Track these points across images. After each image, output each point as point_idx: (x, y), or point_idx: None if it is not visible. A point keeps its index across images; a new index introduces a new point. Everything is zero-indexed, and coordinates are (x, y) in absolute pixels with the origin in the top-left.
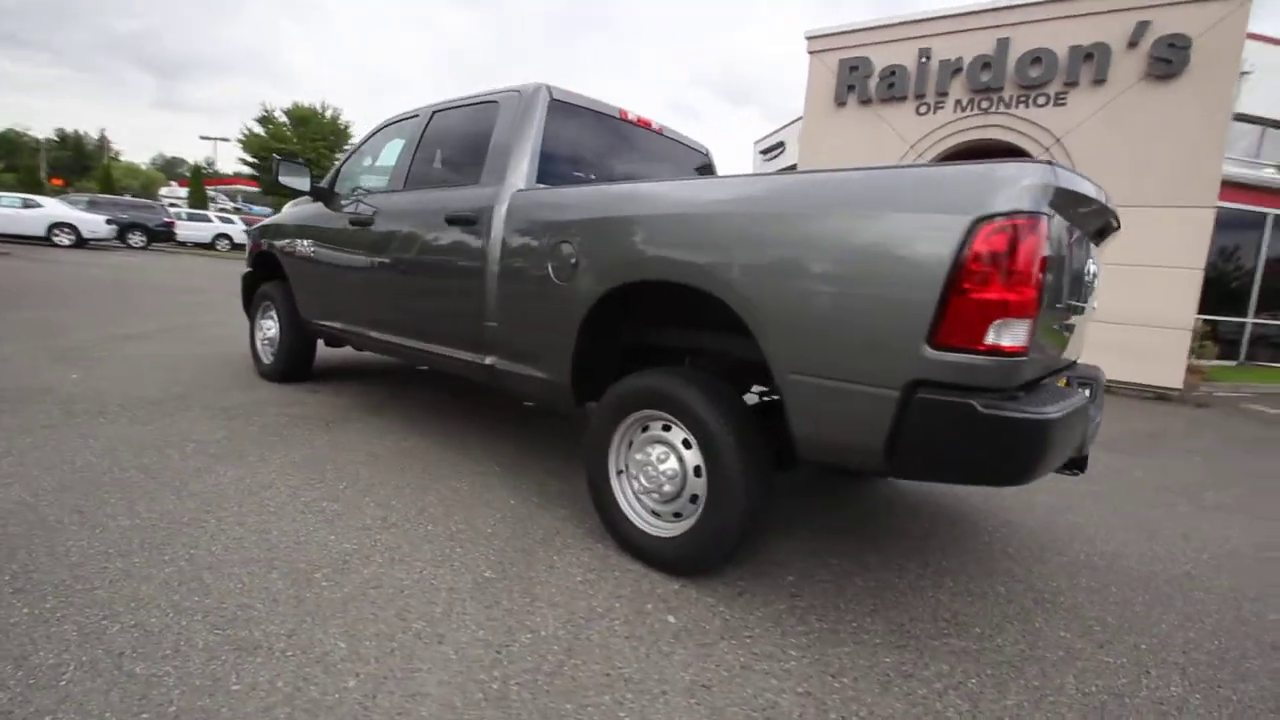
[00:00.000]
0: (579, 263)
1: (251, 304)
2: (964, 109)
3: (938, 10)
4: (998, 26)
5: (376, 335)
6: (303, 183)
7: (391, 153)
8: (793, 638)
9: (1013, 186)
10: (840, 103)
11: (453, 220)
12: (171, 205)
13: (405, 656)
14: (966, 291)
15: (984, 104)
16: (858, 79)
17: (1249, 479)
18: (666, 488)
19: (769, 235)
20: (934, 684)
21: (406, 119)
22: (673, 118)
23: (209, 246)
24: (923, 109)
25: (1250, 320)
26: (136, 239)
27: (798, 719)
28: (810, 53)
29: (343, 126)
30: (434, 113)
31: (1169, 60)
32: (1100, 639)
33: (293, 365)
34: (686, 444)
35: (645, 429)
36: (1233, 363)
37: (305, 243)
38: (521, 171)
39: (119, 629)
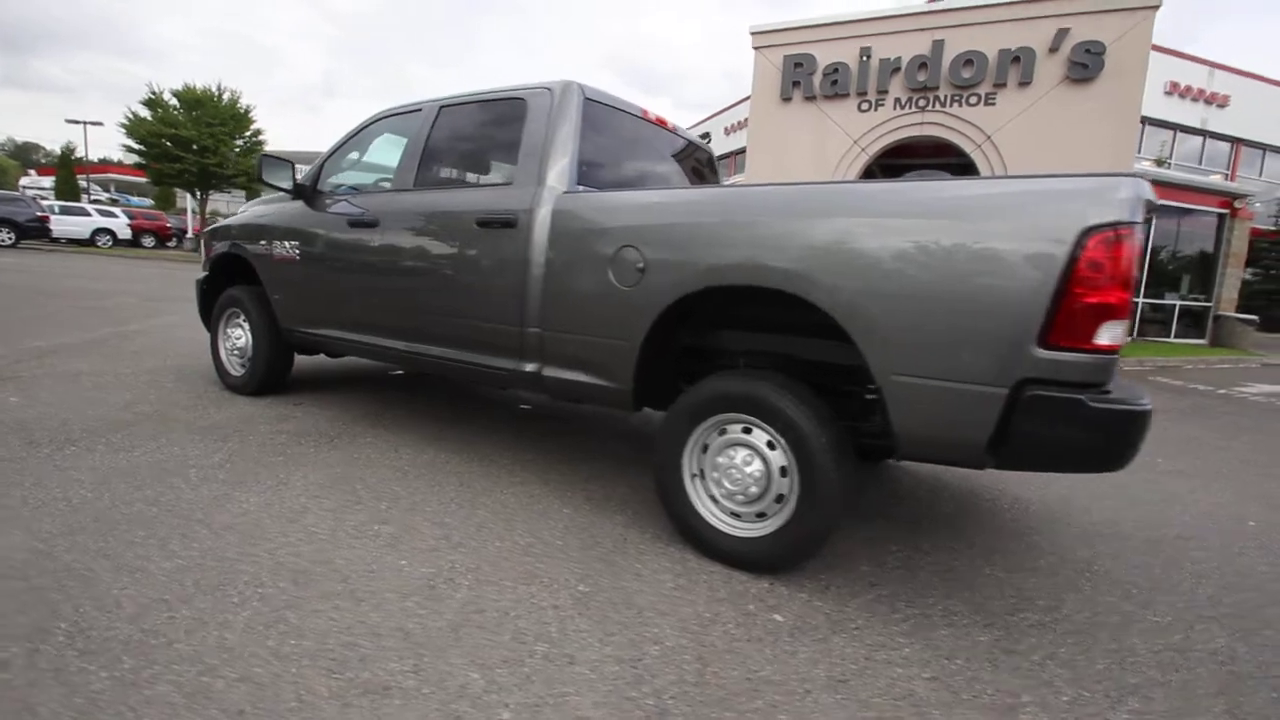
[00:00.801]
0: (648, 268)
1: (212, 313)
2: (903, 106)
3: (877, 11)
4: (933, 29)
5: (384, 344)
6: (285, 180)
7: (389, 150)
8: (894, 626)
9: (1115, 198)
10: (786, 98)
11: (486, 223)
12: (41, 198)
13: (546, 682)
14: (1078, 296)
15: (921, 102)
16: (802, 75)
17: (1188, 444)
18: (753, 489)
19: (875, 243)
20: (1031, 656)
21: (405, 113)
22: None
23: (87, 243)
24: (865, 106)
25: (1141, 300)
26: (4, 235)
27: (936, 703)
28: (755, 48)
29: (243, 111)
30: (441, 108)
31: (1086, 65)
32: (1141, 600)
33: (271, 377)
34: (770, 445)
35: (722, 432)
36: (1129, 339)
37: (287, 245)
38: (562, 173)
39: (224, 684)
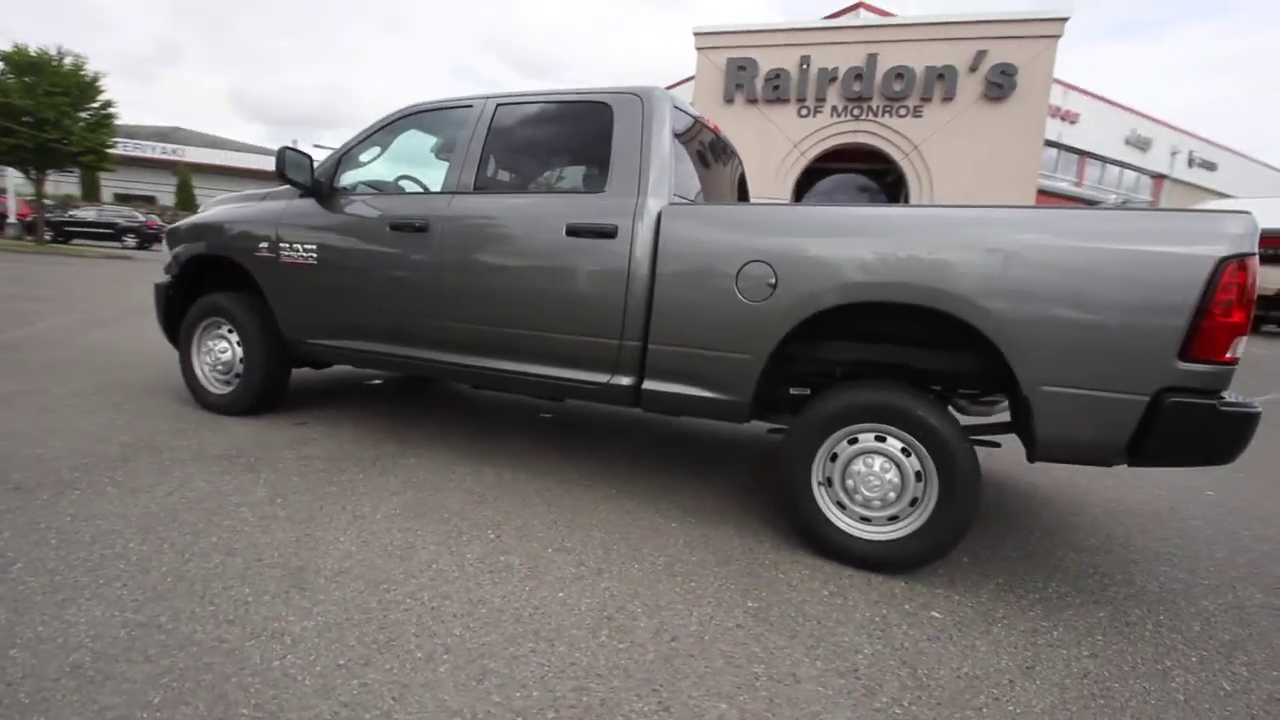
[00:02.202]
0: (779, 283)
1: (182, 323)
2: (839, 114)
3: (817, 21)
4: (868, 42)
5: (432, 357)
6: (304, 176)
7: (427, 148)
8: (1029, 611)
9: (1241, 232)
10: (729, 100)
11: (579, 232)
12: None
13: (790, 703)
14: (1215, 315)
15: (856, 111)
16: (745, 79)
17: None
18: (890, 495)
19: (1029, 266)
20: (1145, 626)
21: (447, 109)
22: (457, 85)
23: None
24: (804, 111)
25: None
26: None
27: (1110, 677)
28: (698, 49)
29: (89, 79)
30: (498, 106)
31: (1001, 85)
32: (1185, 568)
33: (267, 394)
34: (905, 451)
35: (853, 441)
36: None
37: (300, 248)
38: (662, 184)
39: None
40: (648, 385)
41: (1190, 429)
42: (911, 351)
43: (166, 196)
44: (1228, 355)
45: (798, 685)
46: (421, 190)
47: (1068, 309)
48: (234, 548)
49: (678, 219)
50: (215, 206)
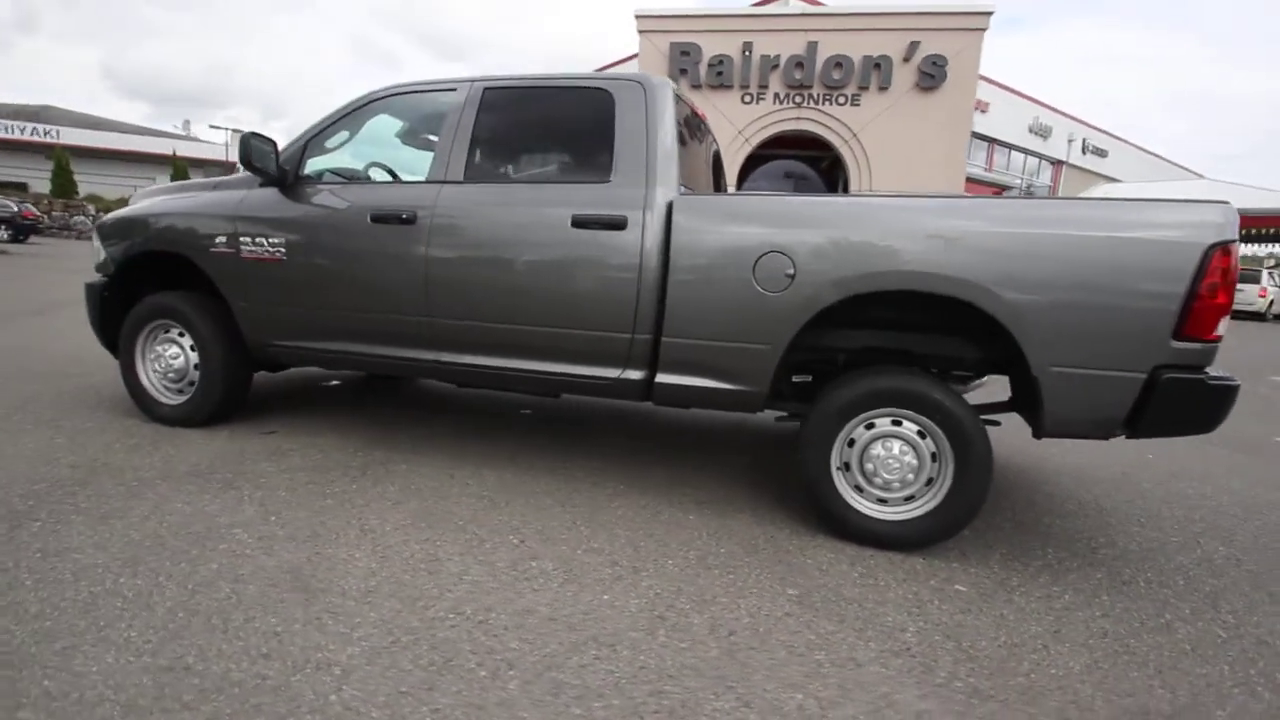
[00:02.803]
0: (798, 274)
1: (121, 328)
2: (781, 102)
3: (758, 9)
4: (808, 31)
5: (418, 356)
6: (269, 164)
7: (403, 134)
8: (1038, 578)
9: (1225, 221)
10: None
11: (586, 223)
12: None
13: (860, 686)
14: (1205, 298)
15: (797, 99)
16: (689, 64)
17: None
18: (909, 476)
19: (1038, 253)
20: (1138, 584)
21: (426, 92)
22: (362, 66)
23: None
24: (747, 98)
25: None
26: None
27: (1128, 634)
28: (640, 31)
29: None
30: (484, 89)
31: (932, 75)
32: (1153, 527)
33: (228, 402)
34: (921, 434)
35: (870, 426)
36: None
37: (265, 242)
38: (670, 174)
39: None
40: (661, 378)
41: (1182, 401)
42: (913, 338)
43: (40, 183)
44: (1214, 334)
45: (860, 669)
46: (396, 179)
47: (1073, 295)
48: (240, 574)
49: (691, 210)
50: (151, 197)
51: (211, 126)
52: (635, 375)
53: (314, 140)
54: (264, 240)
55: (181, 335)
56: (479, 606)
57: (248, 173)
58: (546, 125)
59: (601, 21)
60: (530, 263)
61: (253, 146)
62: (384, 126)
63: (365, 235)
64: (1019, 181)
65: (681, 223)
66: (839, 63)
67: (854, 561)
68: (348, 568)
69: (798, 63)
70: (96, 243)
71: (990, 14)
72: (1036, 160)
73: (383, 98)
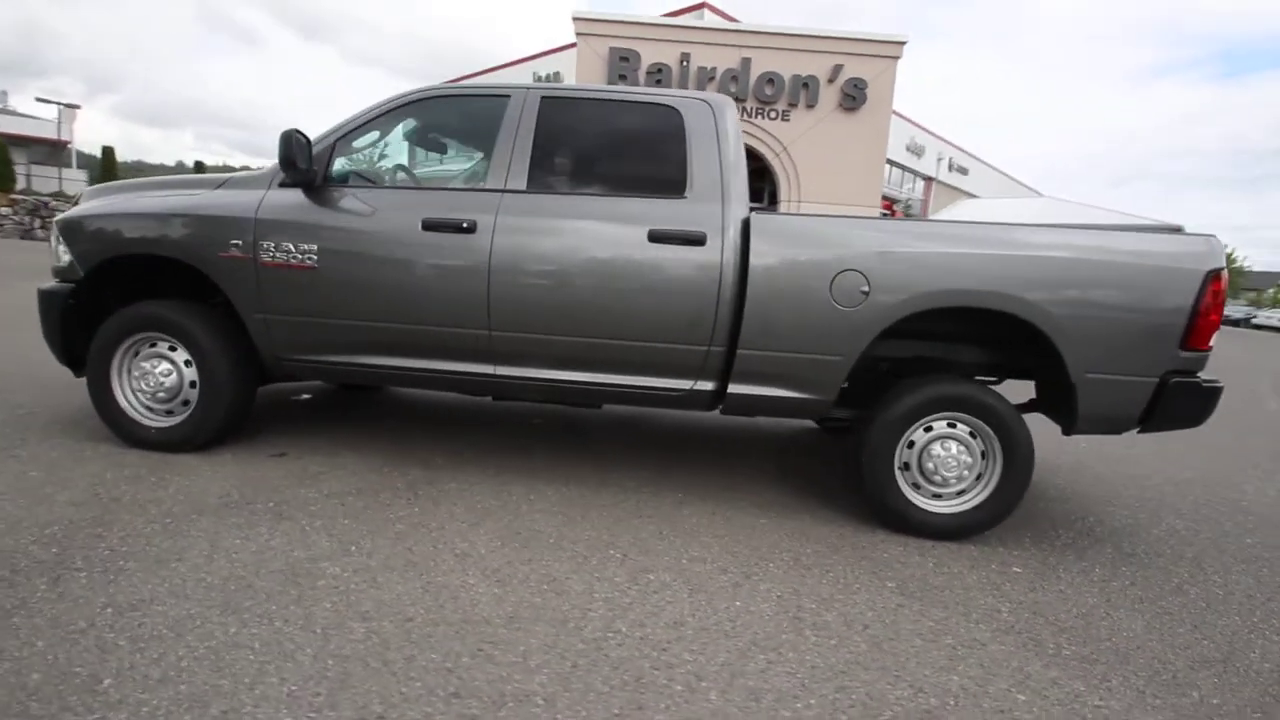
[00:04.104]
0: (873, 290)
1: (92, 342)
2: None
3: (699, 22)
4: (742, 46)
5: (475, 371)
6: (304, 162)
7: (438, 138)
8: (1068, 556)
9: (1217, 250)
10: None
11: (664, 238)
12: None
13: (996, 663)
14: (1204, 314)
15: None
16: (628, 70)
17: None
18: (964, 473)
19: (1082, 276)
20: (1138, 554)
21: (477, 97)
22: (211, 39)
23: None
24: None
25: None
26: None
27: (1157, 598)
28: (578, 34)
29: None
30: (542, 98)
31: (854, 97)
32: (1123, 507)
33: (231, 423)
34: (972, 435)
35: (928, 429)
36: None
37: (292, 248)
38: (743, 192)
39: None
40: (734, 389)
41: (1184, 401)
42: (954, 348)
43: None
44: (1208, 345)
45: (985, 648)
46: (460, 188)
47: (1105, 312)
48: (364, 611)
49: (769, 228)
50: (125, 194)
51: (38, 100)
52: (707, 386)
53: (343, 140)
54: (291, 246)
55: (173, 350)
56: (630, 622)
57: (257, 170)
58: (610, 138)
59: (488, 5)
60: (604, 275)
61: (296, 144)
62: (415, 130)
63: (417, 243)
64: (903, 195)
65: (761, 240)
66: (771, 79)
67: (921, 552)
68: (472, 595)
69: (733, 76)
70: (58, 244)
71: (904, 43)
72: (913, 176)
73: (419, 100)
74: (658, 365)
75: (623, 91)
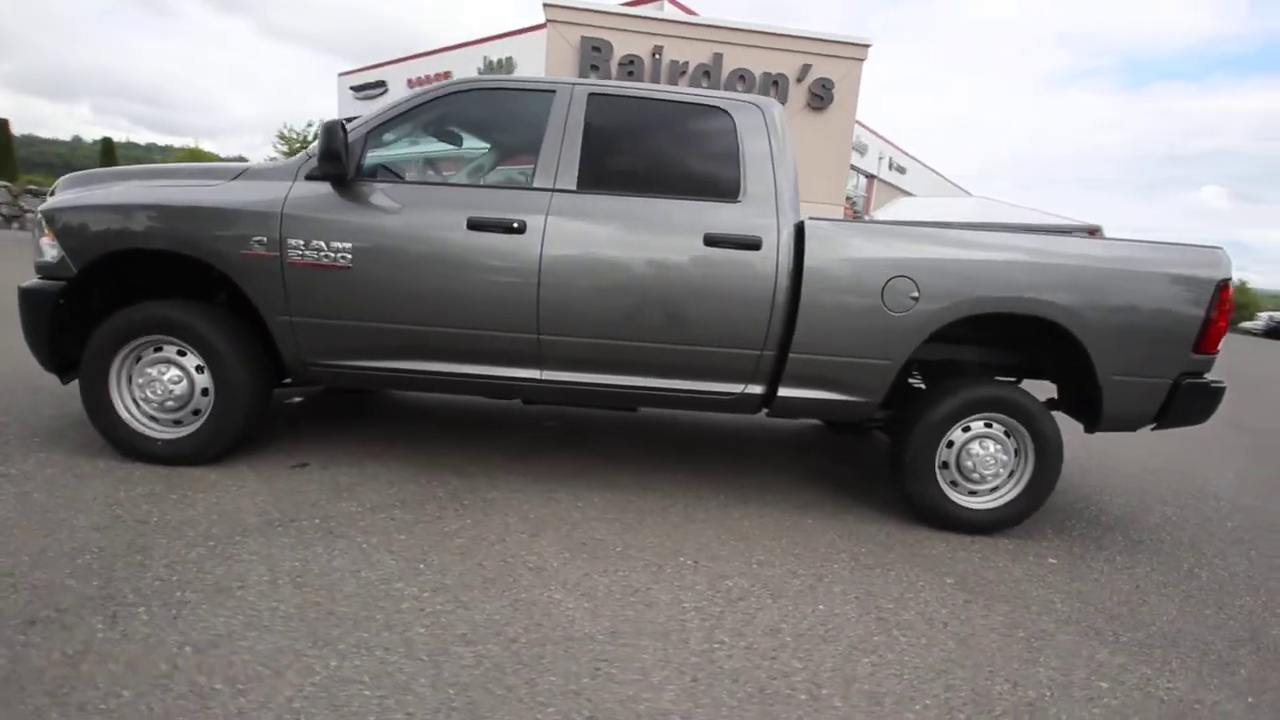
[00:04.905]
0: (922, 296)
1: (87, 346)
2: None
3: (669, 14)
4: (714, 42)
5: (519, 376)
6: (346, 156)
7: (485, 134)
8: (1089, 545)
9: (1226, 261)
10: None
11: (720, 242)
12: None
13: (1069, 653)
14: (1215, 321)
15: None
16: (600, 60)
17: None
18: (1001, 471)
19: (1110, 285)
20: (1145, 541)
21: (519, 90)
22: (114, 6)
23: None
24: None
25: None
26: None
27: (1177, 582)
28: (549, 20)
29: None
30: (590, 94)
31: (821, 97)
32: (1117, 496)
33: (248, 433)
34: (1006, 434)
35: (967, 429)
36: None
37: (323, 246)
38: (794, 196)
39: None
40: (783, 392)
41: (1195, 400)
42: (982, 350)
43: None
44: (1216, 349)
45: (1054, 638)
46: (504, 185)
47: (1130, 319)
48: (462, 634)
49: (824, 234)
50: (120, 182)
51: None
52: (757, 390)
53: (375, 132)
54: (322, 244)
55: (181, 354)
56: (729, 632)
57: (279, 160)
58: (660, 139)
59: None
60: (659, 279)
61: (340, 137)
62: (451, 122)
63: (463, 243)
64: (850, 192)
65: (816, 245)
66: (742, 76)
67: (964, 547)
68: (564, 611)
69: (705, 71)
70: (44, 238)
71: (869, 45)
72: (856, 174)
73: (458, 92)
74: (710, 369)
75: (671, 91)
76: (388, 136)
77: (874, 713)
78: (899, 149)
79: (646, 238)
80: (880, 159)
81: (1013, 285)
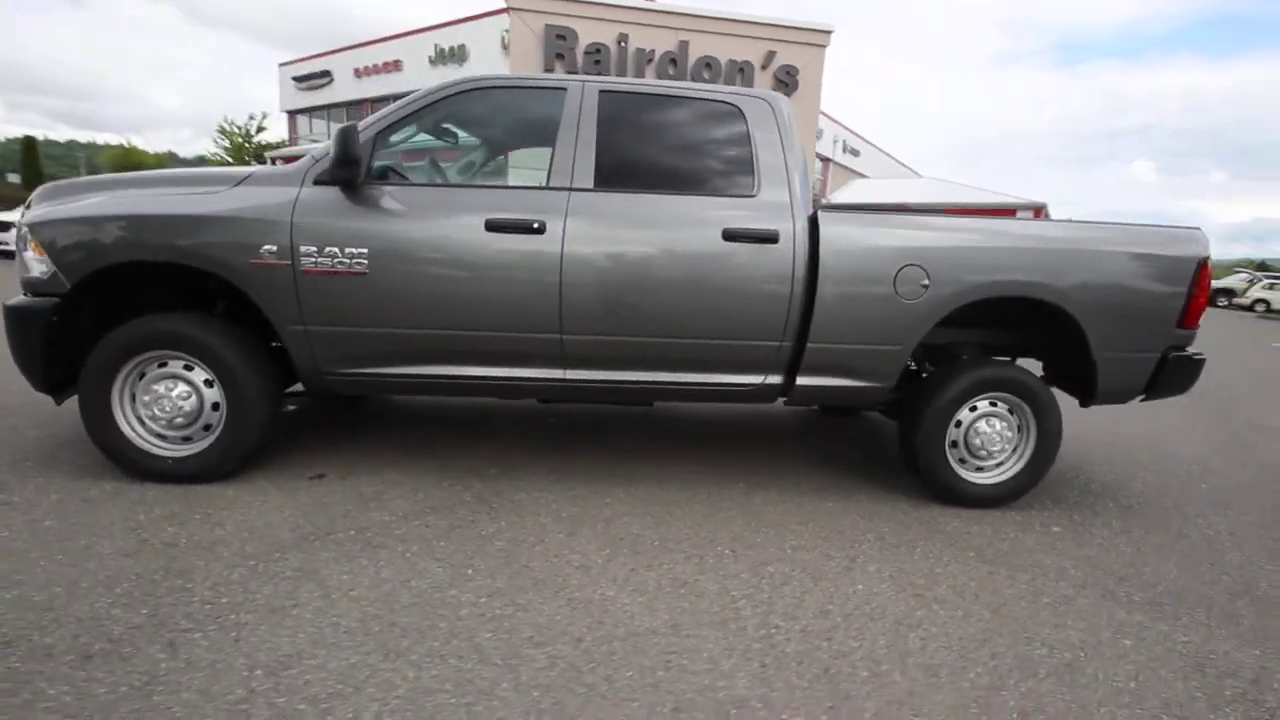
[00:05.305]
0: (932, 283)
1: (87, 364)
2: None
3: (635, 2)
4: (679, 29)
5: (539, 376)
6: (359, 157)
7: (495, 133)
8: (1085, 513)
9: (1205, 240)
10: (548, 69)
11: (738, 236)
12: None
13: (1094, 615)
14: (1196, 297)
15: None
16: (565, 49)
17: None
18: (1007, 447)
19: (1102, 267)
20: (1135, 508)
21: (528, 88)
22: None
23: None
24: None
25: None
26: None
27: (1171, 544)
28: (511, 8)
29: None
30: (600, 92)
31: (786, 83)
32: (1101, 468)
33: (261, 446)
34: (1010, 411)
35: (973, 409)
36: None
37: (338, 252)
38: (806, 188)
39: None
40: (801, 381)
41: (1180, 372)
42: (980, 333)
43: None
44: (1197, 324)
45: (1074, 602)
46: (521, 186)
47: (1121, 298)
48: (529, 637)
49: (837, 225)
50: (103, 192)
51: None
52: (776, 380)
53: (383, 134)
54: (336, 250)
55: (188, 369)
56: (782, 616)
57: (283, 165)
58: (672, 135)
59: None
60: (681, 275)
61: (356, 141)
62: (459, 121)
63: (482, 245)
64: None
65: (830, 236)
66: (708, 63)
67: (976, 521)
68: (621, 607)
69: (671, 59)
70: (30, 253)
71: (830, 32)
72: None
73: (467, 91)
74: (731, 362)
75: (681, 87)
76: (393, 138)
77: (933, 684)
78: (852, 132)
79: (668, 234)
80: (835, 142)
81: (1017, 270)
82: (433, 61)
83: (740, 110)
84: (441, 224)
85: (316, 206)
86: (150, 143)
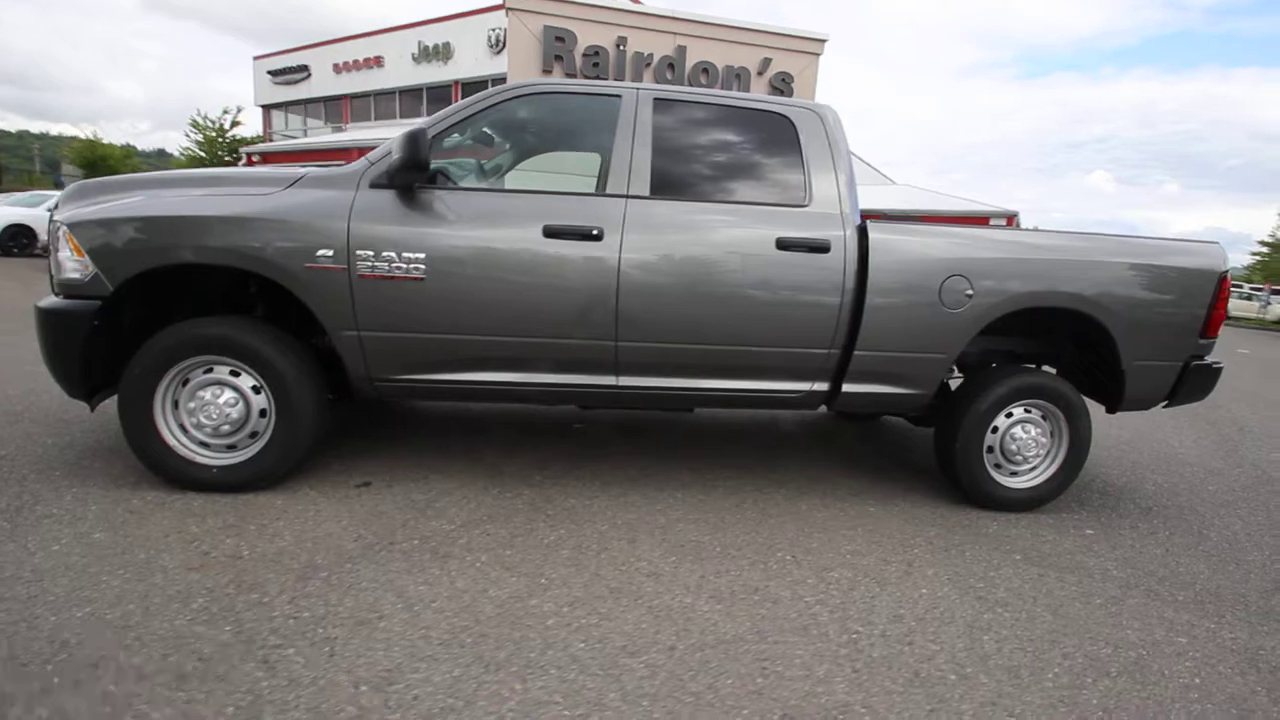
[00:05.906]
0: (975, 294)
1: (127, 369)
2: None
3: (633, 6)
4: (677, 34)
5: (602, 383)
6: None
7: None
8: (1111, 515)
9: (1224, 254)
10: (547, 70)
11: (791, 245)
12: None
13: (1143, 614)
14: (1218, 309)
15: None
16: (564, 50)
17: None
18: (1041, 453)
19: (1133, 279)
20: (1154, 511)
21: (582, 95)
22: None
23: None
24: None
25: None
26: None
27: (1196, 544)
28: (509, 9)
29: None
30: (655, 99)
31: (781, 90)
32: (1110, 470)
33: (308, 453)
34: (1044, 417)
35: (1009, 415)
36: None
37: (396, 256)
38: (856, 199)
39: None
40: (847, 388)
41: (1199, 380)
42: (1013, 341)
43: None
44: (1217, 333)
45: (1124, 603)
46: (575, 192)
47: (1149, 310)
48: (621, 646)
49: (886, 235)
50: (144, 191)
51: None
52: (822, 387)
53: (439, 137)
54: (393, 255)
55: (235, 375)
56: (860, 621)
57: (335, 167)
58: (725, 144)
59: None
60: (736, 283)
61: (426, 146)
62: (509, 126)
63: (540, 251)
64: None
65: (879, 247)
66: (705, 69)
67: (1014, 524)
68: (702, 615)
69: (669, 64)
70: (67, 253)
71: (825, 40)
72: None
73: (521, 96)
74: (780, 369)
75: (733, 97)
76: (445, 143)
77: (1018, 684)
78: None
79: (723, 242)
80: None
81: (1056, 282)
82: (416, 59)
83: (791, 121)
84: (500, 230)
85: (374, 210)
86: (107, 134)
